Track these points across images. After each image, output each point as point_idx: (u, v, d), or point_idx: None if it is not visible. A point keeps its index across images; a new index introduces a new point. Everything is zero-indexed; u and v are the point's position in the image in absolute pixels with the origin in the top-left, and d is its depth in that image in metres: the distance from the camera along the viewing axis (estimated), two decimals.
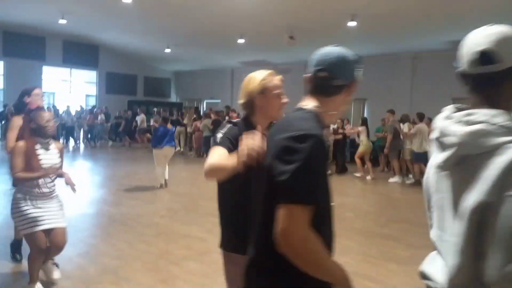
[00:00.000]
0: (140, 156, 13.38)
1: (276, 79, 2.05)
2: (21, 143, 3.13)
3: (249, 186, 1.50)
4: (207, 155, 9.85)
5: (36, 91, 3.78)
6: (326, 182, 1.28)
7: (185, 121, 15.25)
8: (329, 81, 1.40)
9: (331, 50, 1.52)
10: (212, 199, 7.51)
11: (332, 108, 1.43)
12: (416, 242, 4.99)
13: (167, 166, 8.22)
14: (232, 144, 1.80)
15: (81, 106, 17.62)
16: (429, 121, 9.71)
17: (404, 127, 9.84)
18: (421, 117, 9.66)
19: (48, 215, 3.17)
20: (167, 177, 8.21)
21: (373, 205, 7.64)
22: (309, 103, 1.42)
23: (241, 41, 13.64)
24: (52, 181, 3.29)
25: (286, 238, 1.12)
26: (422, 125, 9.44)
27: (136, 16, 12.48)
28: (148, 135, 12.77)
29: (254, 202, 1.40)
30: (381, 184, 9.61)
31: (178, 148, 13.44)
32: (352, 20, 10.45)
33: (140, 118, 15.67)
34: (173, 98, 23.11)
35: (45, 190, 3.20)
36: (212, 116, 13.36)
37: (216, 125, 12.47)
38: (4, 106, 15.54)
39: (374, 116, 13.48)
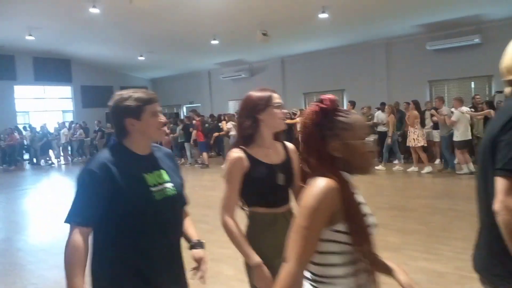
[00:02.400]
0: None
1: None
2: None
3: None
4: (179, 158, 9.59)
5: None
6: None
7: None
8: None
9: None
10: (199, 206, 7.35)
11: None
12: (405, 227, 5.03)
13: None
14: None
15: (58, 123, 17.23)
16: (407, 105, 9.83)
17: None
18: (354, 104, 10.76)
19: None
20: None
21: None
22: None
23: (214, 42, 13.55)
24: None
25: None
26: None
27: (106, 25, 12.25)
28: None
29: None
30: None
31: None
32: (323, 12, 10.48)
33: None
34: None
35: None
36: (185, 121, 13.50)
37: (186, 130, 12.78)
38: None
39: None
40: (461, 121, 8.38)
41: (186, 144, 13.14)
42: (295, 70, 16.55)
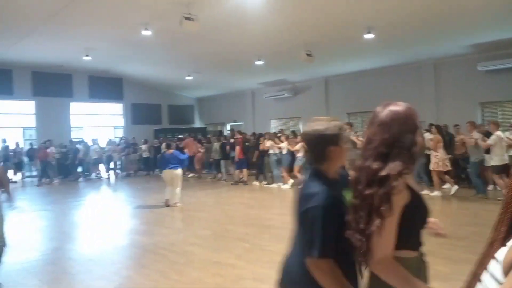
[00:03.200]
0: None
1: None
2: None
3: None
4: (218, 173, 11.42)
5: None
6: None
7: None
8: None
9: None
10: (240, 224, 7.43)
11: None
12: (454, 256, 4.80)
13: (177, 188, 8.89)
14: None
15: (109, 139, 18.07)
16: (457, 128, 9.54)
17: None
18: None
19: None
20: (176, 199, 8.85)
21: None
22: None
23: (259, 62, 13.80)
24: None
25: None
26: None
27: (156, 46, 12.85)
28: None
29: None
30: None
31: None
32: (369, 32, 10.42)
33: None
34: (197, 124, 23.47)
35: None
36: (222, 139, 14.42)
37: (223, 148, 13.63)
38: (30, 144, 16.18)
39: None
40: (497, 145, 8.18)
41: (221, 162, 13.81)
42: (339, 90, 16.46)
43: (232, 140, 13.23)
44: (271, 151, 11.84)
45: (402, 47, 12.31)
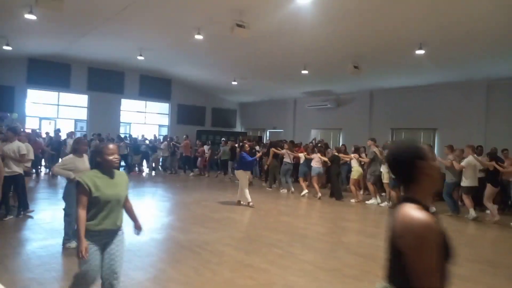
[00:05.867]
0: (207, 183, 13.82)
1: None
2: None
3: None
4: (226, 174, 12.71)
5: None
6: None
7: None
8: None
9: None
10: (274, 230, 7.44)
11: None
12: (496, 284, 4.61)
13: (243, 189, 9.67)
14: None
15: (154, 135, 18.72)
16: (506, 153, 9.25)
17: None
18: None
19: None
20: (246, 199, 9.62)
21: None
22: None
23: (304, 72, 13.85)
24: None
25: None
26: None
27: (206, 51, 13.22)
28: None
29: None
30: (453, 218, 9.01)
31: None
32: (420, 48, 10.21)
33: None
34: (238, 128, 23.82)
35: None
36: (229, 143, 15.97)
37: (233, 151, 15.00)
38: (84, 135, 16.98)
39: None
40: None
41: (229, 162, 15.50)
42: (384, 104, 16.17)
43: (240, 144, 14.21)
44: (285, 159, 12.38)
45: (454, 65, 11.96)
